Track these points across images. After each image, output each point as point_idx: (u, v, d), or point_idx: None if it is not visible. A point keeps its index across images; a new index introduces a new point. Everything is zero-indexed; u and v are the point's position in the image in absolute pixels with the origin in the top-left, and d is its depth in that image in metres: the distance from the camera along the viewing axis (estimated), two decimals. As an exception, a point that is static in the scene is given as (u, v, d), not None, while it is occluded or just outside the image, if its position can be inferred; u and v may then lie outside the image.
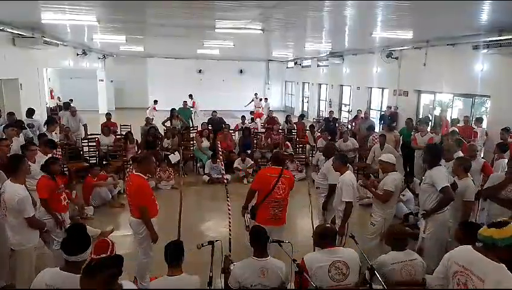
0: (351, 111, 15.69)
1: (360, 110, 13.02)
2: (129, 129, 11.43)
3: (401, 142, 9.24)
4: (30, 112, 9.14)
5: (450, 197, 4.22)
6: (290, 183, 4.54)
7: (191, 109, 14.99)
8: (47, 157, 5.28)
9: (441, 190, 4.17)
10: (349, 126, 12.74)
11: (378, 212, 4.76)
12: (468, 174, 4.72)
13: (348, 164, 5.09)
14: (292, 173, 9.25)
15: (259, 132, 11.58)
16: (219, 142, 6.12)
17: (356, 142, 9.73)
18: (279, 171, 4.46)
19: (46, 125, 8.06)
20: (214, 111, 12.10)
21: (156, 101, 17.02)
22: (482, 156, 7.45)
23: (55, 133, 8.25)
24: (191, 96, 17.27)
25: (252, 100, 19.43)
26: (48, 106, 14.53)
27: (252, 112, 16.47)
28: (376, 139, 9.55)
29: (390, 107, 12.60)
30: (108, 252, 3.09)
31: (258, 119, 15.35)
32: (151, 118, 12.47)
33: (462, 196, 4.49)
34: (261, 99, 19.48)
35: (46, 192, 4.43)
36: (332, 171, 5.01)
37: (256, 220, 4.48)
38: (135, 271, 4.48)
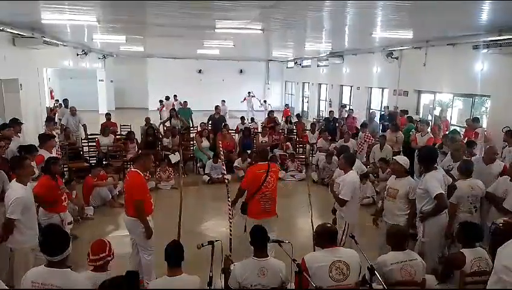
0: (342, 109, 15.42)
1: (352, 110, 12.86)
2: (129, 129, 11.43)
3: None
4: None
5: (444, 205, 4.22)
6: (276, 174, 4.84)
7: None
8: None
9: (435, 197, 4.17)
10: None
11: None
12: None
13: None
14: (292, 173, 9.51)
15: (258, 132, 11.57)
16: (220, 142, 6.17)
17: (356, 144, 9.70)
18: (266, 167, 4.67)
19: (45, 125, 8.12)
20: (217, 105, 12.01)
21: (161, 101, 17.46)
22: (482, 155, 7.46)
23: (56, 133, 8.25)
24: (175, 96, 17.76)
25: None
26: (48, 106, 14.52)
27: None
28: (370, 138, 9.53)
29: (388, 107, 12.57)
30: (107, 251, 3.13)
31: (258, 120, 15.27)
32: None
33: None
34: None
35: (44, 192, 4.42)
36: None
37: (248, 215, 4.62)
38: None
